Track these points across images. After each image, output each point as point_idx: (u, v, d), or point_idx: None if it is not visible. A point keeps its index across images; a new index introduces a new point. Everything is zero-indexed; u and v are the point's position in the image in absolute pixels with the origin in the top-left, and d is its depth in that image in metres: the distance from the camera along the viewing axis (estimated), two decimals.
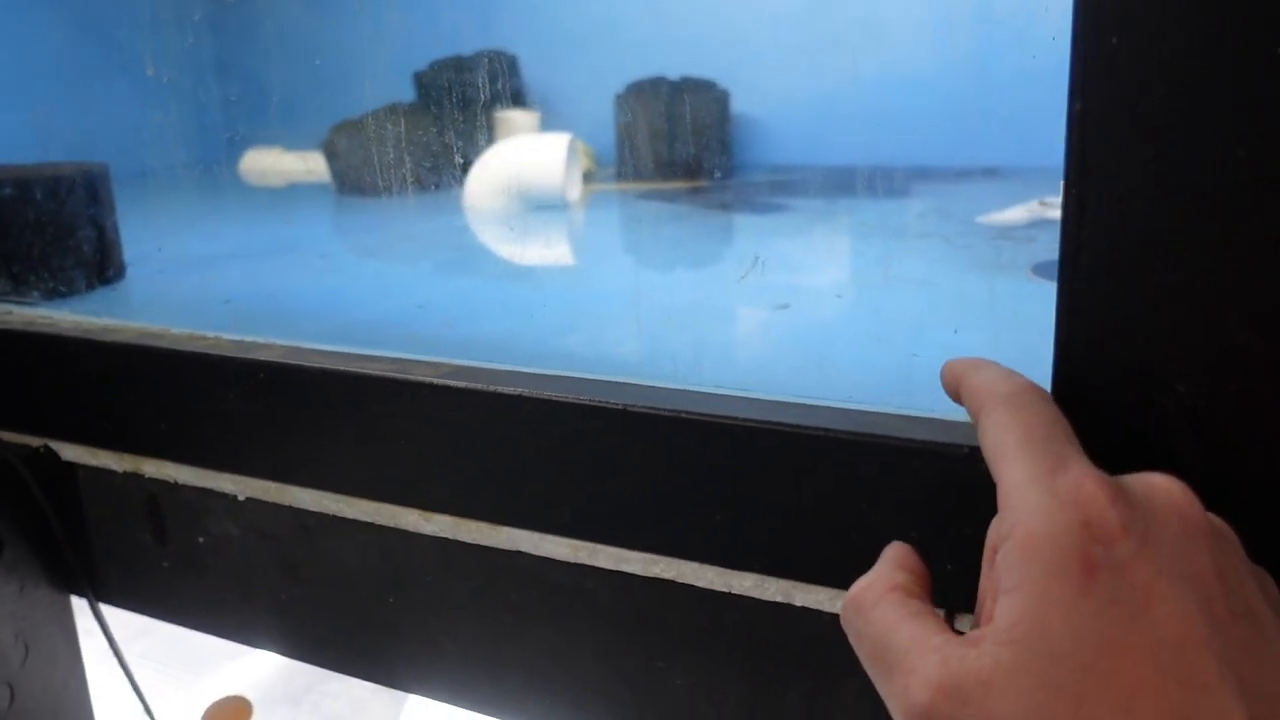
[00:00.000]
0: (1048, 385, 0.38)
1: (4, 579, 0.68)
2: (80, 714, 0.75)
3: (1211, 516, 0.31)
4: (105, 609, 0.72)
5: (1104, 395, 0.37)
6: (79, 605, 0.72)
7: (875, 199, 1.12)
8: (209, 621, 0.66)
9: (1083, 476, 0.30)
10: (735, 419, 0.44)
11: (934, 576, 0.42)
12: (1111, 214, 0.35)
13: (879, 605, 0.32)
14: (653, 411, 0.46)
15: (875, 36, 1.27)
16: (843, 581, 0.44)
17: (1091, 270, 0.35)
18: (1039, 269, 0.75)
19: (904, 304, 0.66)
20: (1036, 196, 0.95)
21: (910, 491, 0.41)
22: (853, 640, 0.33)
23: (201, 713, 0.91)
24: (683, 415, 0.45)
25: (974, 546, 0.41)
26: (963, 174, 1.26)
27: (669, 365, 0.50)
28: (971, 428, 0.42)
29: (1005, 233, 0.90)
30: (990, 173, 1.23)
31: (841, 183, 1.25)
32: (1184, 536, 0.30)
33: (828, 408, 0.44)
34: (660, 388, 0.48)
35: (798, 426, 0.43)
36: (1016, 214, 0.94)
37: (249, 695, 0.99)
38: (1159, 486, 0.31)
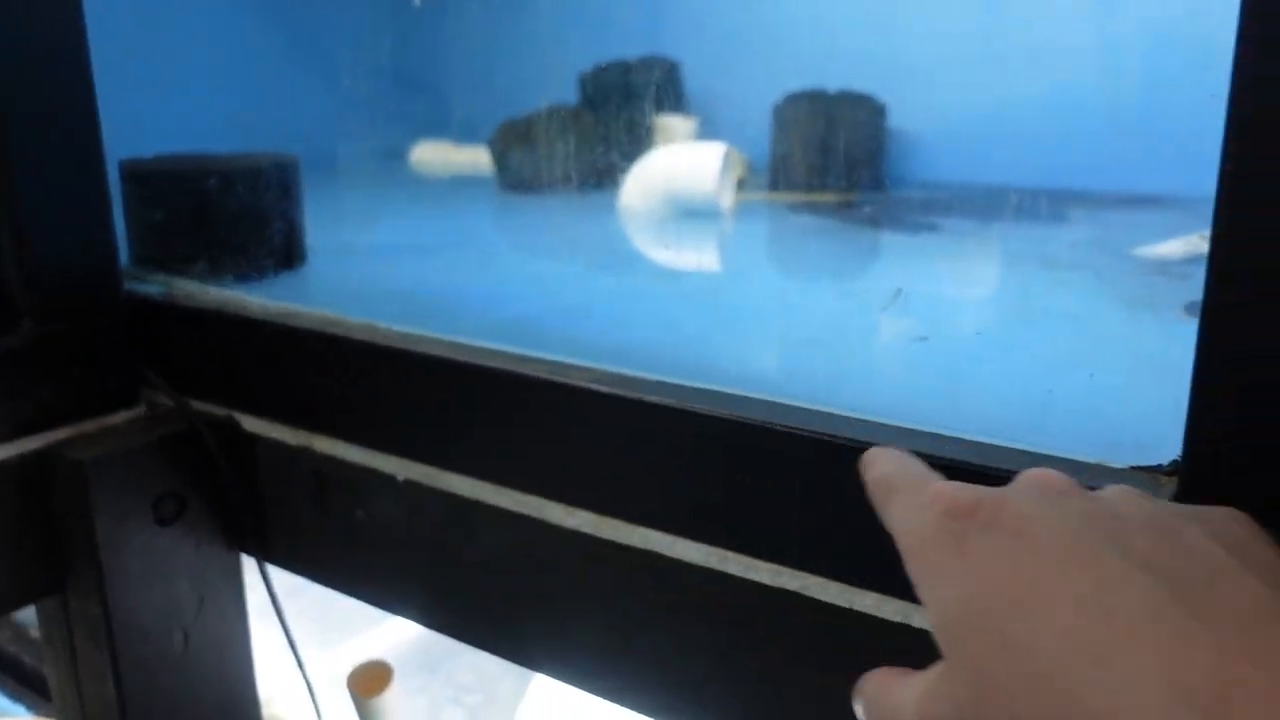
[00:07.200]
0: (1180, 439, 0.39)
1: (185, 535, 0.74)
2: (243, 662, 0.82)
3: (1119, 488, 0.33)
4: (270, 569, 0.78)
5: (1239, 451, 0.37)
6: (247, 564, 0.79)
7: (1028, 223, 1.11)
8: (362, 590, 0.72)
9: (935, 486, 0.33)
10: (866, 443, 0.46)
11: None
12: (1254, 274, 0.35)
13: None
14: (788, 430, 0.48)
15: (1041, 56, 1.25)
16: None
17: (1229, 336, 0.36)
18: (1191, 308, 0.75)
19: (1045, 340, 0.67)
20: (1197, 229, 0.93)
21: None
22: None
23: (346, 674, 0.97)
24: (816, 436, 0.47)
25: None
26: (1123, 200, 1.23)
27: (805, 386, 0.52)
28: (1105, 467, 0.43)
29: (1161, 267, 0.88)
30: (1153, 201, 1.20)
31: (996, 204, 1.24)
32: (1048, 490, 0.32)
33: (958, 439, 0.46)
34: (795, 407, 0.50)
35: (927, 455, 0.45)
36: (1174, 248, 0.92)
37: (388, 660, 1.05)
38: (1025, 472, 0.34)
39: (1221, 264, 0.36)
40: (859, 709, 0.37)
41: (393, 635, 1.36)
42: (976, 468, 0.43)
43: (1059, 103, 1.21)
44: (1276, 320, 0.35)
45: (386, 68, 1.45)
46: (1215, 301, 0.36)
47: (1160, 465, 0.42)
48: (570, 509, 0.58)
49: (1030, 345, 0.66)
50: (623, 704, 0.59)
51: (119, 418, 0.76)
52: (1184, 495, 0.39)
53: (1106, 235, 1.09)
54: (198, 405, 0.75)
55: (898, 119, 1.37)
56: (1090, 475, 0.42)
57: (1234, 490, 0.37)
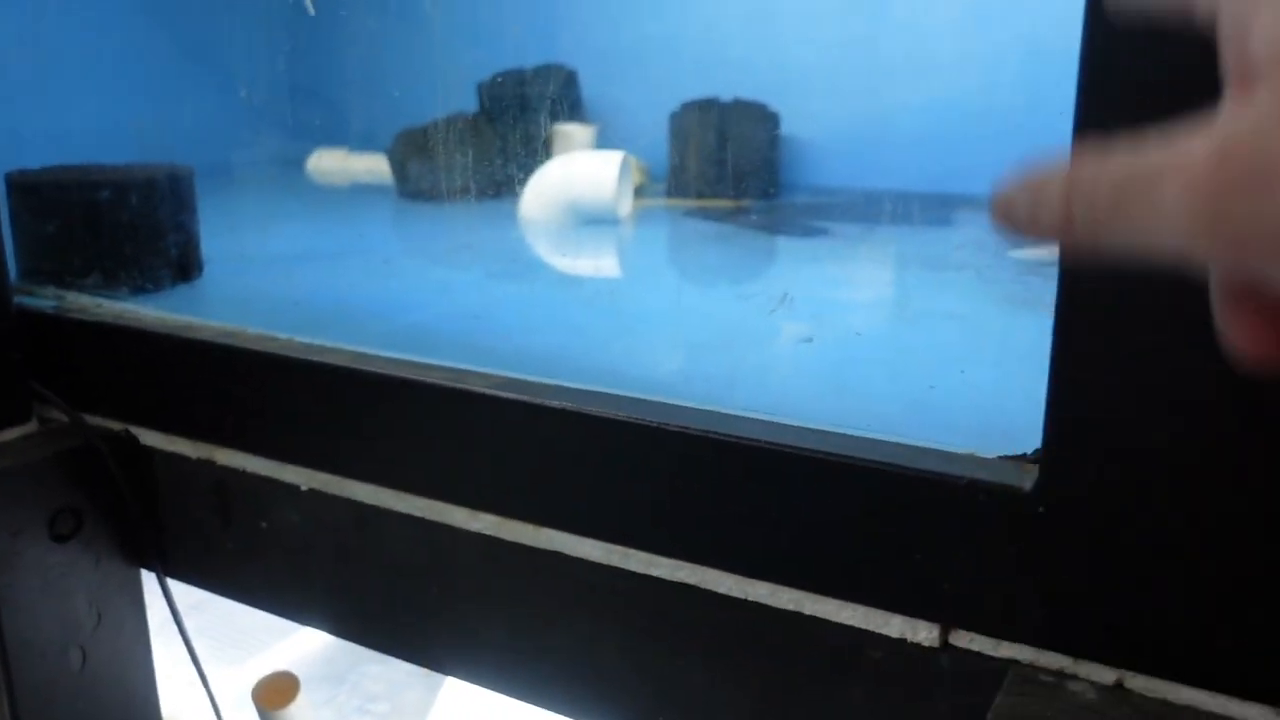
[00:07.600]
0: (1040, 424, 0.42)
1: (82, 551, 0.73)
2: (144, 679, 0.80)
3: None
4: (170, 584, 0.77)
5: (1092, 440, 0.41)
6: (147, 579, 0.78)
7: (914, 226, 1.16)
8: (266, 600, 0.72)
9: None
10: (758, 441, 0.48)
11: (932, 595, 0.46)
12: (1100, 275, 0.39)
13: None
14: (683, 430, 0.50)
15: (924, 65, 1.30)
16: (848, 594, 0.48)
17: (1080, 334, 0.39)
18: None
19: (927, 338, 0.70)
20: None
21: (914, 516, 0.45)
22: (1100, 211, 0.23)
23: (252, 686, 0.96)
24: (710, 435, 0.49)
25: (971, 571, 0.45)
26: None
27: (700, 387, 0.55)
28: (975, 457, 0.46)
29: (1035, 268, 0.93)
30: None
31: (883, 208, 1.29)
32: None
33: (844, 435, 0.49)
34: (691, 408, 0.52)
35: (816, 451, 0.47)
36: (1047, 249, 0.97)
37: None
38: None
39: (1071, 266, 0.39)
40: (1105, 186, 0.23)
41: (297, 649, 1.35)
42: (856, 461, 0.46)
43: (942, 110, 1.26)
44: (1122, 320, 0.39)
45: (282, 76, 1.43)
46: (1066, 301, 0.40)
47: (1025, 454, 0.45)
48: (474, 513, 0.59)
49: (912, 343, 0.69)
50: (532, 702, 0.61)
51: (11, 434, 0.74)
52: (1045, 483, 0.42)
53: (987, 237, 1.14)
54: (93, 420, 0.74)
55: (790, 126, 1.41)
56: (961, 465, 0.45)
57: (1089, 476, 0.41)
